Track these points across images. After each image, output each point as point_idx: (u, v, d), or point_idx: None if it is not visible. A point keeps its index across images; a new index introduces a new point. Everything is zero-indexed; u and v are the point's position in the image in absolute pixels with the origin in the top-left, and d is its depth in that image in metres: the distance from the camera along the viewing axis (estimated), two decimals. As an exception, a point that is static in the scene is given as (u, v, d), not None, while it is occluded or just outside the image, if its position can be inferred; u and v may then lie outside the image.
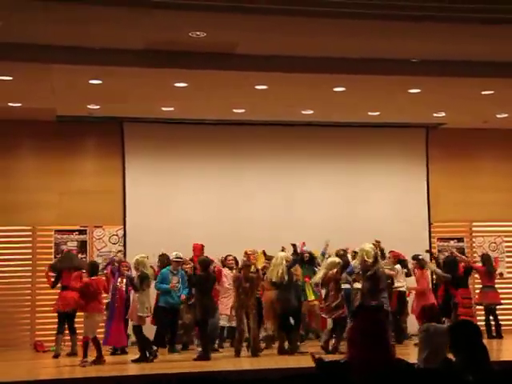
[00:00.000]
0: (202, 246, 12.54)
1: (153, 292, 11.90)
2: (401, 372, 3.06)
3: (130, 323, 11.47)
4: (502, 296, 14.12)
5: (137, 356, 10.87)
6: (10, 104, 12.62)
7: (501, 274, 14.39)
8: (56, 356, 11.67)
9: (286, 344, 11.38)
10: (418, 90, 12.15)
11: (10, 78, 11.06)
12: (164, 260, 12.29)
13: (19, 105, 12.65)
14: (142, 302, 10.91)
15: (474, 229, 15.56)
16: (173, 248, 12.28)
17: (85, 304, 10.74)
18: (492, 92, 12.29)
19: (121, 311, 11.38)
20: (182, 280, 11.88)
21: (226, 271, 12.33)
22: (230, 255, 12.49)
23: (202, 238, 12.84)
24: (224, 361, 10.94)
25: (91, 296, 10.70)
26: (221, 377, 8.36)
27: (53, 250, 13.72)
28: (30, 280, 13.68)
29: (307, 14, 9.13)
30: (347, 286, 11.43)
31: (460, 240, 15.42)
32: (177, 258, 11.98)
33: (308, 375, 3.23)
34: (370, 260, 10.82)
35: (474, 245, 15.33)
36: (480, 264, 13.78)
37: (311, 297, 12.54)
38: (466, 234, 15.55)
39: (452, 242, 15.33)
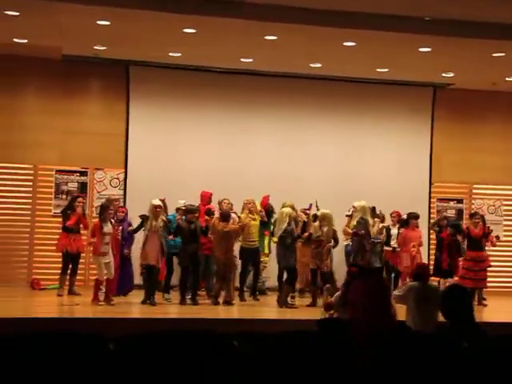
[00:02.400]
0: (210, 194, 12.56)
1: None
2: (400, 335, 3.09)
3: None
4: (497, 259, 14.31)
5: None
6: (16, 40, 12.48)
7: (497, 237, 14.42)
8: (60, 295, 11.88)
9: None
10: (429, 49, 12.02)
11: (17, 14, 10.92)
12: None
13: (25, 41, 12.51)
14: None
15: (474, 191, 15.57)
16: (172, 195, 12.29)
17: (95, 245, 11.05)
18: (503, 54, 12.17)
19: (117, 258, 11.65)
20: None
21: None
22: (226, 199, 12.44)
23: (202, 186, 12.81)
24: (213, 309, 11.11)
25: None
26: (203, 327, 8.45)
27: (53, 190, 13.75)
28: (29, 218, 13.71)
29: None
30: None
31: (459, 201, 15.45)
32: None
33: (309, 333, 3.27)
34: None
35: (472, 207, 15.35)
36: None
37: (265, 251, 12.63)
38: (466, 195, 15.57)
39: (451, 203, 15.38)
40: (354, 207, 11.90)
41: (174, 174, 13.79)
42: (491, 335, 4.26)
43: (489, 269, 13.18)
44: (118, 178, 13.96)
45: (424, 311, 6.68)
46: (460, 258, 12.70)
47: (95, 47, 12.80)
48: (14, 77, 13.67)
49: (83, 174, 13.90)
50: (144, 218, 11.48)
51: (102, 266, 10.96)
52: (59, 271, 12.19)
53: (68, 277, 12.19)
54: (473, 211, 14.09)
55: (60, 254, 12.19)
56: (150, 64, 13.90)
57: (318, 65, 13.47)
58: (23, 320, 8.95)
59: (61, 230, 12.28)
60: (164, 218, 11.31)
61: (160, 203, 11.38)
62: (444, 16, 10.77)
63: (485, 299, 12.98)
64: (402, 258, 12.66)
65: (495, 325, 8.89)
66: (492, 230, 13.22)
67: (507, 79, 14.10)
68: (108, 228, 11.11)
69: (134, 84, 14.05)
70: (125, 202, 13.49)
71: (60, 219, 12.53)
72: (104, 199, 12.87)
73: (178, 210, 12.03)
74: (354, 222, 11.79)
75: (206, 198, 12.54)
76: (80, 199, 12.41)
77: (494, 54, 12.20)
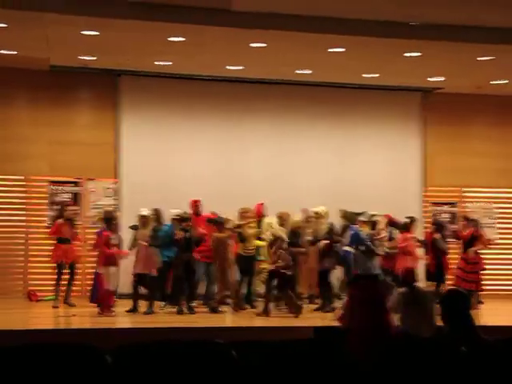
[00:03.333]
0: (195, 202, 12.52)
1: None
2: (399, 340, 3.10)
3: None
4: (492, 262, 14.34)
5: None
6: (4, 51, 12.45)
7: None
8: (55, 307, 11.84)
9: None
10: (417, 54, 12.06)
11: (5, 25, 10.90)
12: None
13: (13, 52, 12.48)
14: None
15: (465, 194, 15.60)
16: (166, 203, 12.25)
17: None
18: (491, 58, 12.22)
19: None
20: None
21: None
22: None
23: (196, 194, 12.78)
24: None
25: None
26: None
27: (47, 201, 13.70)
28: (23, 230, 13.67)
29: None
30: None
31: (452, 205, 15.48)
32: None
33: (306, 341, 3.27)
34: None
35: (466, 210, 15.34)
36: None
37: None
38: (459, 199, 15.59)
39: (445, 207, 15.41)
40: (317, 213, 11.96)
41: (166, 183, 13.77)
42: (489, 339, 4.26)
43: (484, 272, 13.19)
44: (110, 188, 13.92)
45: (416, 315, 6.67)
46: (447, 256, 12.68)
47: (84, 57, 12.78)
48: (2, 89, 13.65)
49: (76, 184, 13.85)
50: (134, 228, 11.60)
51: (111, 276, 10.98)
52: (55, 282, 12.15)
53: (63, 287, 12.13)
54: (466, 215, 14.11)
55: (55, 264, 12.17)
56: (139, 73, 13.91)
57: (307, 71, 13.49)
58: (20, 332, 8.92)
59: (55, 241, 12.24)
60: (152, 226, 11.35)
61: (146, 213, 11.44)
62: (431, 21, 10.82)
63: (482, 302, 12.97)
64: (406, 261, 12.53)
65: (492, 328, 8.88)
66: (481, 235, 13.22)
67: (495, 82, 14.15)
68: (115, 239, 11.18)
69: (123, 93, 14.05)
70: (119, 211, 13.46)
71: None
72: (103, 212, 12.83)
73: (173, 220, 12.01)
74: (323, 228, 11.84)
75: (193, 205, 12.45)
76: (68, 207, 12.47)
77: (482, 58, 12.24)
